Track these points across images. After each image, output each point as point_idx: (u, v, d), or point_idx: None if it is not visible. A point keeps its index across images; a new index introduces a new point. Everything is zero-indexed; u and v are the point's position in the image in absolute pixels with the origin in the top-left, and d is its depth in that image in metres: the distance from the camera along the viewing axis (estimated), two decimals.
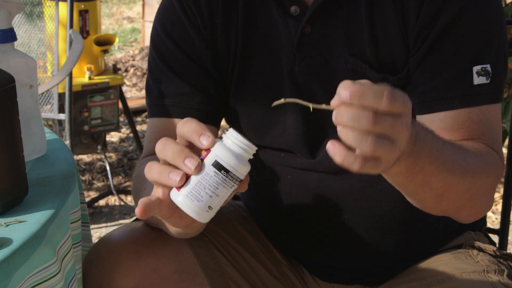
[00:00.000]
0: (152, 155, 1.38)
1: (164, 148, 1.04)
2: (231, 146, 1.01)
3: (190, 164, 1.01)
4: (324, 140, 1.38)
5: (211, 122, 1.40)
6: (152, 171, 1.05)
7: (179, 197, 1.02)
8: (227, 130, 1.03)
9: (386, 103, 0.91)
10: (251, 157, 1.03)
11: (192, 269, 1.35)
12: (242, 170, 1.01)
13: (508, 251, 1.71)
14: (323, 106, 0.96)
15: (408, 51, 1.30)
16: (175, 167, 1.02)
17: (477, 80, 1.27)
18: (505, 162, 1.52)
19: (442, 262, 1.42)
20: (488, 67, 1.27)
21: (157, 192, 1.07)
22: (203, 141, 1.01)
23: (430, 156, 1.07)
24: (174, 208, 1.06)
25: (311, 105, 0.97)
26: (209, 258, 1.38)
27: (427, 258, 1.44)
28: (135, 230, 1.37)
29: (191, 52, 1.38)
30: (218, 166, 1.00)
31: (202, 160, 1.01)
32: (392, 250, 1.44)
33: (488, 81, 1.27)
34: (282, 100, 0.99)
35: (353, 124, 0.91)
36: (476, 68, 1.27)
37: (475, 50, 1.27)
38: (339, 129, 0.93)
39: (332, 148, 0.94)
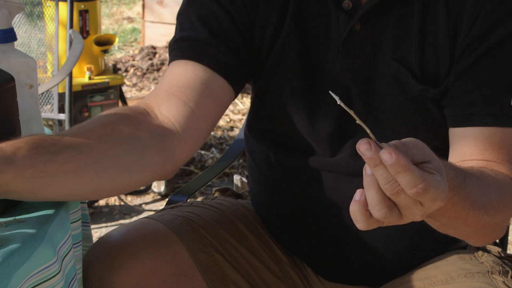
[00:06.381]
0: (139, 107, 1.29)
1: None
2: None
3: None
4: (349, 140, 1.36)
5: (229, 78, 1.32)
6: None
7: None
8: None
9: (413, 193, 0.89)
10: None
11: (190, 272, 1.35)
12: None
13: (508, 251, 1.71)
14: (367, 130, 0.92)
15: (453, 64, 1.28)
16: None
17: None
18: None
19: (446, 262, 1.41)
20: None
21: None
22: None
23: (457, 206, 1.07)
24: None
25: (357, 119, 0.93)
26: (209, 261, 1.38)
27: (432, 258, 1.44)
28: (132, 231, 1.37)
29: (230, 9, 1.33)
30: None
31: None
32: (399, 253, 1.43)
33: None
34: (336, 98, 0.93)
35: (380, 183, 0.90)
36: None
37: None
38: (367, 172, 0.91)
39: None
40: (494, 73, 1.26)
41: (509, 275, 1.37)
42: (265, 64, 1.36)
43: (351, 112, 0.92)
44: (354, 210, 0.94)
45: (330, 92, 0.95)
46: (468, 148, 1.25)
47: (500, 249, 1.44)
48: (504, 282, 1.34)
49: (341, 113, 1.32)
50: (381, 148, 0.89)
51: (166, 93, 1.29)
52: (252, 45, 1.36)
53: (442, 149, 1.28)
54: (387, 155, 0.87)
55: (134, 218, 3.32)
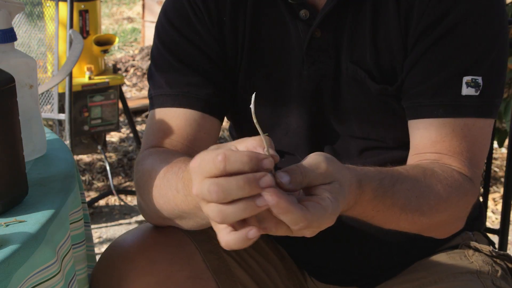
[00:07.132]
0: (156, 147, 1.36)
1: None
2: None
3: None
4: (327, 146, 1.37)
5: (217, 114, 1.38)
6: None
7: None
8: None
9: (296, 229, 0.91)
10: None
11: (204, 275, 1.34)
12: None
13: (508, 251, 1.71)
14: (262, 136, 0.94)
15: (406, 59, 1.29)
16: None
17: (466, 91, 1.25)
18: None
19: (436, 263, 1.41)
20: (480, 79, 1.25)
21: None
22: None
23: (377, 206, 1.10)
24: None
25: (255, 121, 0.94)
26: (218, 262, 1.38)
27: (423, 259, 1.44)
28: (146, 234, 1.35)
29: (199, 43, 1.36)
30: None
31: None
32: (390, 254, 1.44)
33: (477, 94, 1.24)
34: (252, 102, 0.94)
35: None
36: (466, 79, 1.25)
37: (468, 61, 1.25)
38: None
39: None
40: (442, 64, 1.26)
41: (498, 274, 1.37)
42: (238, 85, 1.39)
43: (254, 117, 0.93)
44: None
45: (252, 96, 0.94)
46: (420, 140, 1.26)
47: (491, 248, 1.43)
48: (492, 281, 1.34)
49: (313, 121, 1.35)
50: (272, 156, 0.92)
51: (170, 140, 1.35)
52: (228, 72, 1.38)
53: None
54: (268, 197, 0.88)
55: (134, 218, 3.32)
